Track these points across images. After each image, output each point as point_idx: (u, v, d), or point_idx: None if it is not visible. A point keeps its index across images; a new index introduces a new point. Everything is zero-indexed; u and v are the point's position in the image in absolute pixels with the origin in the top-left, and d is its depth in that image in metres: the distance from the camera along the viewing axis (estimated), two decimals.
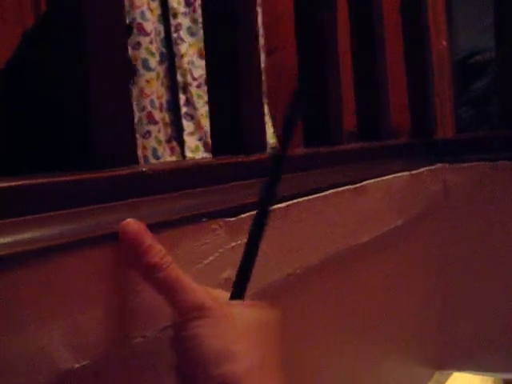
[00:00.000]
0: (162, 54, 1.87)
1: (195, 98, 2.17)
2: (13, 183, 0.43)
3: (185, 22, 2.24)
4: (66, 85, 0.54)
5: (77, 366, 0.44)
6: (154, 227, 0.50)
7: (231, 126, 0.72)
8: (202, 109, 2.19)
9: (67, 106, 0.54)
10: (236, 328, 0.44)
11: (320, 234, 0.73)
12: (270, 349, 0.45)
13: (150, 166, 0.56)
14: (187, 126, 2.08)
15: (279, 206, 0.65)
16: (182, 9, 2.21)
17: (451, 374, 1.25)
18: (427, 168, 1.10)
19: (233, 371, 0.41)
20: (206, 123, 2.18)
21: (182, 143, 2.07)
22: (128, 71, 0.58)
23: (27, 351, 0.40)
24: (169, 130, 1.85)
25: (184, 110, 2.08)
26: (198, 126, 2.17)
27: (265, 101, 1.82)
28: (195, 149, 2.10)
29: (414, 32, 1.26)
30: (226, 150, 0.71)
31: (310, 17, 0.95)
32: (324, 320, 0.82)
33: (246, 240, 0.59)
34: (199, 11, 2.22)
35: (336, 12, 1.00)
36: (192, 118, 2.12)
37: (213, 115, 0.74)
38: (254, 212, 0.61)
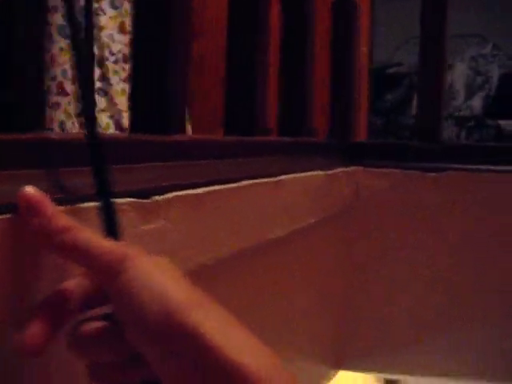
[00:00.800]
0: (80, 25, 1.77)
1: (111, 74, 2.08)
2: None
3: None
4: None
5: None
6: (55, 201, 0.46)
7: (152, 105, 0.68)
8: (118, 85, 2.11)
9: None
10: (170, 272, 0.40)
11: (234, 226, 0.70)
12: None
13: (58, 134, 0.51)
14: (100, 101, 1.99)
15: (193, 191, 0.62)
16: None
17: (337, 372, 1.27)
18: (342, 169, 1.11)
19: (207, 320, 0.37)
20: (120, 101, 2.10)
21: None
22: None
23: None
24: (80, 104, 1.76)
25: (98, 84, 1.99)
26: (111, 103, 2.08)
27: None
28: (106, 126, 2.02)
29: (343, 34, 1.26)
30: (144, 129, 0.67)
31: (243, 2, 0.93)
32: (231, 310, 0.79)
33: (159, 225, 0.56)
34: None
35: (268, 5, 0.98)
36: (106, 93, 2.03)
37: (134, 92, 0.69)
38: (171, 194, 0.58)
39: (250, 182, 0.73)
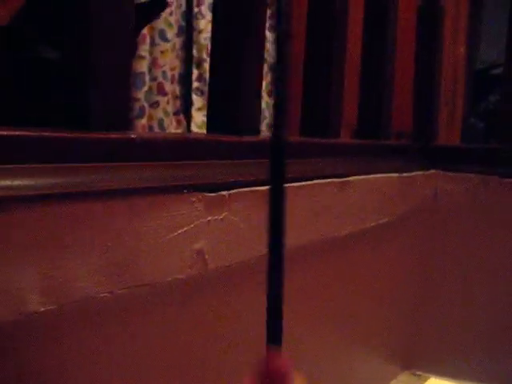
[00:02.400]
0: (180, 27, 1.88)
1: (208, 75, 2.19)
2: (14, 132, 0.45)
3: None
4: (66, 44, 0.56)
5: (42, 309, 0.46)
6: (135, 191, 0.53)
7: (227, 106, 0.75)
8: None
9: (65, 64, 0.57)
10: None
11: (298, 222, 0.75)
12: None
13: (140, 134, 0.58)
14: (197, 100, 2.10)
15: (260, 188, 0.68)
16: None
17: (428, 378, 1.28)
18: (420, 172, 1.12)
19: None
20: None
21: (189, 118, 2.09)
22: (131, 35, 0.60)
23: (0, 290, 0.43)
24: (178, 103, 1.87)
25: (195, 84, 2.09)
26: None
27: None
28: (201, 125, 2.12)
29: (427, 36, 1.27)
30: (220, 128, 0.74)
31: (322, 6, 0.97)
32: (296, 306, 0.84)
33: (222, 216, 0.62)
34: None
35: (346, 4, 1.01)
36: (202, 93, 2.14)
37: (211, 93, 0.76)
38: (235, 190, 0.64)
39: (316, 181, 0.78)
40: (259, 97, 0.77)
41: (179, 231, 0.57)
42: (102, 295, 0.51)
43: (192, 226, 0.58)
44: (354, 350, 1.05)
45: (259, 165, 0.72)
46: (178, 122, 1.91)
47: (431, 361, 1.25)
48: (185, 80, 1.93)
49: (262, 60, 0.78)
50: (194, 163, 0.62)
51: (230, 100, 0.73)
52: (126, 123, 0.58)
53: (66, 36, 0.56)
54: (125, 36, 0.57)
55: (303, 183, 0.75)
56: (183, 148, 0.61)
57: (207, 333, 0.65)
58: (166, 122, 1.82)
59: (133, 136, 0.56)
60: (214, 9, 0.78)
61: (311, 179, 0.79)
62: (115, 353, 0.55)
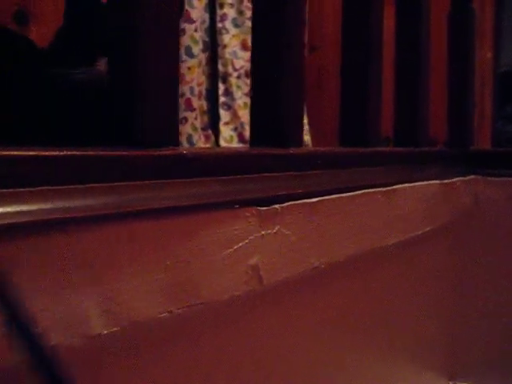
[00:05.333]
0: (205, 43, 1.89)
1: (234, 89, 2.19)
2: (66, 152, 0.45)
3: (231, 12, 2.26)
4: (116, 63, 0.56)
5: (105, 331, 0.46)
6: (189, 208, 0.52)
7: (271, 118, 0.74)
8: (240, 100, 2.21)
9: (116, 82, 0.56)
10: None
11: (348, 232, 0.74)
12: None
13: (190, 150, 0.58)
14: (224, 115, 2.10)
15: (310, 200, 0.67)
16: (229, 0, 2.23)
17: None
18: (460, 178, 1.10)
19: None
20: (242, 114, 2.20)
21: (217, 132, 2.09)
22: (178, 53, 0.60)
23: (63, 314, 0.42)
24: (205, 118, 1.87)
25: (222, 99, 2.10)
26: (235, 117, 2.19)
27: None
28: (229, 139, 2.12)
29: (459, 42, 1.25)
30: (263, 141, 0.73)
31: (357, 17, 0.96)
32: (341, 317, 0.83)
33: (275, 230, 0.61)
34: (245, 3, 2.24)
35: (382, 14, 1.01)
36: (229, 108, 2.14)
37: (254, 106, 0.76)
38: (287, 203, 0.63)
39: (364, 191, 0.77)
40: (302, 108, 0.77)
41: (234, 247, 0.56)
42: (161, 315, 0.50)
43: (247, 241, 0.57)
44: (396, 363, 1.03)
45: (306, 177, 0.71)
46: (206, 138, 1.91)
47: (474, 373, 1.22)
48: (211, 95, 1.94)
49: (302, 71, 0.77)
50: (245, 177, 0.61)
51: (273, 112, 0.73)
52: (177, 139, 0.58)
53: (114, 53, 0.56)
54: (173, 48, 0.57)
55: (351, 194, 0.74)
56: (233, 162, 0.60)
57: (265, 348, 0.63)
58: (195, 137, 1.82)
59: (184, 152, 0.56)
60: (254, 24, 0.78)
61: (356, 189, 0.78)
62: (175, 372, 0.54)
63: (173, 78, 0.57)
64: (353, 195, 0.74)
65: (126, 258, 0.48)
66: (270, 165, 0.66)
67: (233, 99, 2.06)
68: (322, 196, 0.69)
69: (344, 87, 0.95)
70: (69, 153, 0.46)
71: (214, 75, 2.00)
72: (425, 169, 1.04)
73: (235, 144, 1.98)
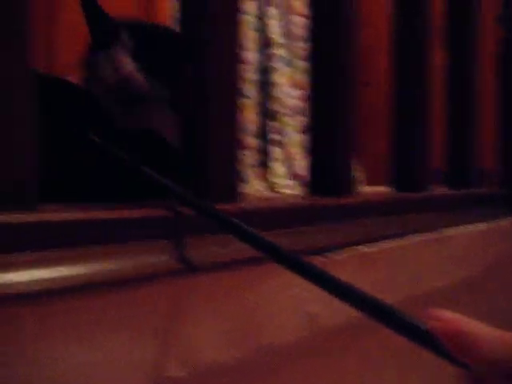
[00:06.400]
0: (256, 82, 1.96)
1: (285, 127, 2.26)
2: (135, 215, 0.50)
3: (282, 52, 2.34)
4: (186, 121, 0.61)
5: (175, 375, 0.50)
6: (253, 260, 0.56)
7: (324, 165, 0.78)
8: (292, 137, 2.27)
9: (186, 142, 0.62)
10: None
11: (400, 277, 0.76)
12: None
13: (250, 204, 0.62)
14: (275, 152, 2.16)
15: (364, 248, 0.70)
16: (280, 39, 2.30)
17: None
18: (508, 219, 1.11)
19: None
20: (294, 151, 2.25)
21: (268, 169, 2.15)
22: (239, 107, 0.65)
23: (140, 359, 0.47)
24: (257, 156, 1.93)
25: (273, 137, 2.16)
26: (286, 154, 2.25)
27: None
28: (281, 175, 2.18)
29: (505, 79, 1.27)
30: (318, 189, 0.77)
31: (408, 54, 0.99)
32: (397, 360, 0.85)
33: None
34: (296, 43, 2.30)
35: (433, 52, 1.04)
36: (281, 145, 2.20)
37: (310, 154, 0.79)
38: (343, 251, 0.66)
39: (416, 237, 0.80)
40: (352, 157, 0.80)
41: (294, 294, 0.60)
42: (226, 361, 0.54)
43: (305, 288, 0.61)
44: None
45: (360, 225, 0.74)
46: (258, 175, 1.96)
47: None
48: (262, 133, 2.00)
49: (355, 120, 0.81)
50: (302, 228, 0.65)
51: (326, 161, 0.77)
52: (237, 194, 0.62)
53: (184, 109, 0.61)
54: (234, 116, 0.62)
55: (403, 240, 0.77)
56: (290, 215, 0.64)
57: None
58: (247, 174, 1.87)
59: (243, 205, 0.60)
60: (312, 70, 0.81)
61: (408, 235, 0.80)
62: None
63: (236, 141, 0.62)
64: (405, 242, 0.77)
65: (193, 306, 0.52)
66: (326, 214, 0.70)
67: (284, 136, 2.11)
68: (376, 243, 0.73)
69: (395, 126, 0.98)
70: (145, 214, 0.51)
71: (266, 113, 2.06)
72: (476, 210, 1.06)
73: (287, 181, 2.03)
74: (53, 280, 0.40)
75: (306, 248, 0.63)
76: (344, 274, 0.67)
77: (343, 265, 0.66)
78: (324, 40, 0.79)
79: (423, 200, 0.90)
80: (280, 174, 2.03)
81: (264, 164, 2.02)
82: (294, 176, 1.99)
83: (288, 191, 2.09)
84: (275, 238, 0.61)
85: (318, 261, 0.63)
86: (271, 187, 2.06)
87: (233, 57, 0.63)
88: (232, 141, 0.65)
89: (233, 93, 0.64)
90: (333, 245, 0.66)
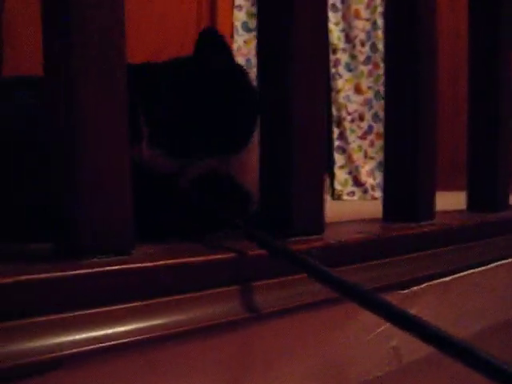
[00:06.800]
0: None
1: (348, 132, 2.23)
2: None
3: (344, 57, 2.31)
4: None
5: None
6: (334, 301, 0.57)
7: (404, 191, 0.77)
8: (354, 143, 2.24)
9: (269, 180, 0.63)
10: None
11: (481, 306, 0.76)
12: None
13: (334, 239, 0.63)
14: (339, 159, 2.14)
15: (444, 279, 0.70)
16: (341, 45, 2.28)
17: None
18: None
19: None
20: (356, 157, 2.22)
21: (332, 176, 2.14)
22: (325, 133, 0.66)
23: None
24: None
25: (337, 143, 2.14)
26: (349, 160, 2.22)
27: None
28: (344, 182, 2.16)
29: None
30: (396, 216, 0.77)
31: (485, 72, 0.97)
32: None
33: (414, 311, 0.65)
34: (358, 48, 2.28)
35: None
36: (344, 151, 2.17)
37: (387, 180, 0.79)
38: (424, 284, 0.66)
39: (496, 264, 0.79)
40: (434, 181, 0.80)
41: (377, 331, 0.61)
42: None
43: (387, 324, 0.62)
44: None
45: (439, 255, 0.74)
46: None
47: None
48: (326, 139, 2.00)
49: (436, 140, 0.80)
50: (383, 261, 0.65)
51: (407, 187, 0.76)
52: (323, 228, 0.63)
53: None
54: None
55: (483, 268, 0.77)
56: (367, 249, 0.65)
57: None
58: None
59: (332, 242, 0.61)
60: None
61: (487, 262, 0.80)
62: None
63: (321, 176, 0.64)
64: (485, 269, 0.77)
65: (279, 348, 0.53)
66: (406, 245, 0.70)
67: (347, 143, 2.10)
68: (455, 273, 0.72)
69: (472, 146, 0.96)
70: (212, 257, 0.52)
71: (329, 119, 2.06)
72: None
73: (350, 187, 2.02)
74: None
75: (389, 282, 0.63)
76: (426, 305, 0.68)
77: (424, 296, 0.66)
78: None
79: (501, 223, 0.89)
80: (343, 181, 2.03)
81: (327, 171, 2.01)
82: (357, 183, 1.98)
83: (350, 198, 2.08)
84: (358, 273, 0.62)
85: (401, 294, 0.64)
86: (338, 195, 2.05)
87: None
88: (321, 179, 0.66)
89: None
90: (416, 278, 0.66)
